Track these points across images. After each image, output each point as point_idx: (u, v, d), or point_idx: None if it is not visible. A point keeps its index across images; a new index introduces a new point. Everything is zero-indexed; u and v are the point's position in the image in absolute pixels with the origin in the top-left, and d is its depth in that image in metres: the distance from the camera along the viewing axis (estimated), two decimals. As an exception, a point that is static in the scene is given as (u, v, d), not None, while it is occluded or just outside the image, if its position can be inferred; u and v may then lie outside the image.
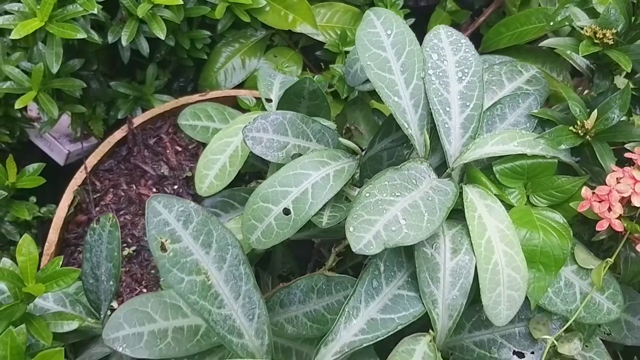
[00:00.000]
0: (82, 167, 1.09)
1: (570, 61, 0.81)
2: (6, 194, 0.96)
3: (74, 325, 0.67)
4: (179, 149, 1.14)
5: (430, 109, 0.75)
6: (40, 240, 1.09)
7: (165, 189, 1.08)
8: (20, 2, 0.96)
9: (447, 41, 0.78)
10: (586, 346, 0.76)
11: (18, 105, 1.05)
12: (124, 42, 1.06)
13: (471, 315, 0.76)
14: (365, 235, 0.62)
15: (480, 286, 0.67)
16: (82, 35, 0.91)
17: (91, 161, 1.10)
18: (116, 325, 0.68)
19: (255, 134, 0.81)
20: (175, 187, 1.08)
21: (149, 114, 1.17)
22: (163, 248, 0.57)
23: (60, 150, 1.32)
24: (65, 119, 1.33)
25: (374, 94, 1.02)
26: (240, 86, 1.29)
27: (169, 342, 0.69)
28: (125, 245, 1.03)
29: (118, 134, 1.13)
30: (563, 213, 0.72)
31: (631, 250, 0.73)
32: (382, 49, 0.76)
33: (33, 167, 1.04)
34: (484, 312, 0.75)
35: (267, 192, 0.75)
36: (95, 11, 0.92)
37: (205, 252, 0.60)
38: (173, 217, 0.58)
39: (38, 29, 0.90)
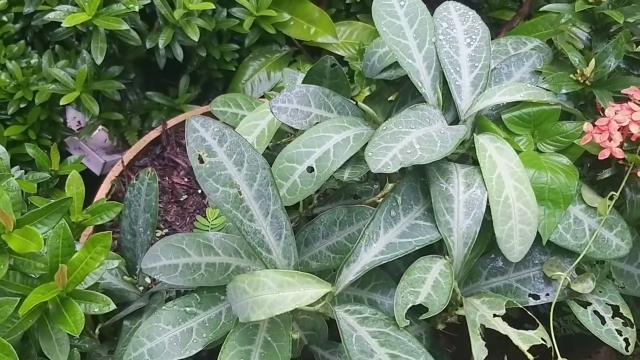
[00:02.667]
0: (120, 161, 1.17)
1: (570, 34, 0.88)
2: (49, 176, 1.03)
3: (115, 263, 0.72)
4: (209, 146, 1.21)
5: (442, 70, 0.82)
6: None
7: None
8: (69, 4, 1.07)
9: (455, 14, 0.85)
10: (600, 292, 0.79)
11: (63, 101, 1.14)
12: (160, 45, 1.16)
13: (487, 264, 0.80)
14: (383, 158, 0.67)
15: (493, 218, 0.72)
16: (125, 26, 1.01)
17: (128, 156, 1.18)
18: (154, 257, 0.73)
19: (281, 105, 0.88)
20: (205, 177, 1.15)
21: (181, 117, 1.25)
22: (201, 160, 0.64)
23: (97, 161, 1.41)
24: (102, 135, 1.43)
25: (390, 84, 1.10)
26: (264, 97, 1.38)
27: (202, 273, 0.74)
28: (157, 229, 1.09)
29: (153, 134, 1.22)
30: (569, 157, 0.76)
31: (635, 193, 0.77)
32: (396, 18, 0.84)
33: (74, 157, 1.12)
34: (498, 259, 0.80)
35: (291, 153, 0.82)
36: (136, 8, 1.02)
37: (238, 169, 0.66)
38: (209, 135, 0.65)
39: (85, 21, 1.00)
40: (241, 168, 0.66)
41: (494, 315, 0.67)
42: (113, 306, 0.62)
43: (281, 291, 0.64)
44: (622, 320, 0.76)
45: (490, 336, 0.70)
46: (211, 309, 0.73)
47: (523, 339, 0.64)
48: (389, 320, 0.64)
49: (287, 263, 0.68)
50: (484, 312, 0.67)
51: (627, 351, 0.74)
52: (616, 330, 0.75)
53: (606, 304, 0.78)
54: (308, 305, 0.71)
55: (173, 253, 0.74)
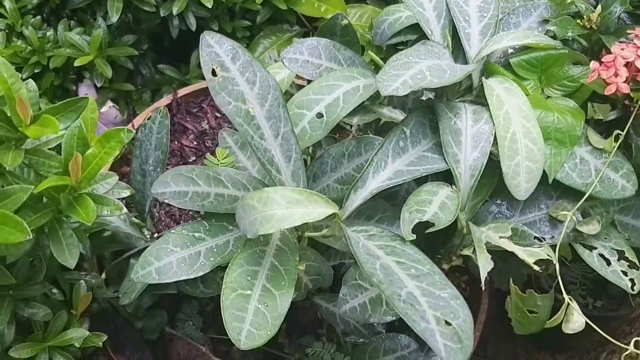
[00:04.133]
0: (130, 124, 1.18)
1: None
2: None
3: (127, 192, 0.72)
4: (219, 115, 1.23)
5: (451, 19, 0.83)
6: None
7: (206, 142, 1.16)
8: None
9: (465, -34, 0.88)
10: (605, 238, 0.79)
11: (77, 63, 1.16)
12: (174, 12, 1.18)
13: (493, 210, 0.81)
14: (394, 83, 0.69)
15: (500, 153, 0.73)
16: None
17: (138, 120, 1.19)
18: (164, 183, 0.74)
19: (292, 56, 0.89)
20: (215, 141, 1.16)
21: (192, 88, 1.27)
22: (214, 73, 0.65)
23: (107, 135, 1.42)
24: (112, 112, 1.45)
25: (400, 49, 1.12)
26: (275, 75, 1.40)
27: (211, 201, 0.74)
28: (165, 189, 1.10)
29: (164, 101, 1.23)
30: (576, 100, 0.78)
31: (641, 137, 0.78)
32: (409, -31, 0.86)
33: (86, 117, 1.13)
34: (504, 204, 0.81)
35: (301, 100, 0.83)
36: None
37: (250, 88, 0.67)
38: (223, 51, 0.66)
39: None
40: (253, 87, 0.68)
41: (500, 237, 0.67)
42: (124, 210, 0.62)
43: (290, 207, 0.64)
44: (628, 263, 0.77)
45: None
46: (219, 236, 0.73)
47: (529, 254, 0.64)
48: (395, 236, 0.64)
49: (296, 185, 0.69)
50: (489, 234, 0.68)
51: (633, 290, 0.74)
52: (622, 271, 0.76)
53: (611, 248, 0.78)
54: (316, 230, 0.72)
55: (183, 181, 0.75)
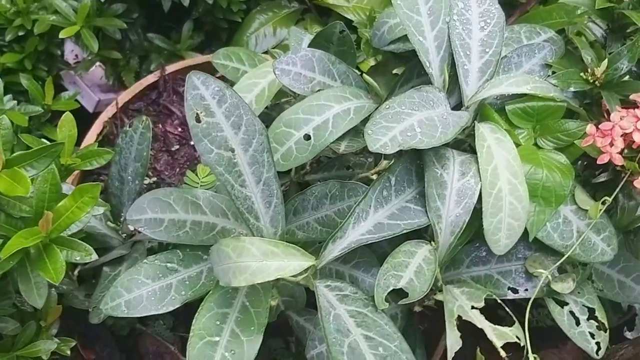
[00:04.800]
0: (114, 102, 1.15)
1: (586, 30, 0.86)
2: (42, 110, 1.01)
3: (100, 210, 0.71)
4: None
5: (451, 52, 0.80)
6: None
7: (190, 130, 1.13)
8: None
9: (473, -6, 0.83)
10: (578, 293, 0.80)
11: (63, 34, 1.11)
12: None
13: (471, 252, 0.80)
14: (382, 138, 0.67)
15: (483, 209, 0.72)
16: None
17: (122, 98, 1.16)
18: (140, 209, 0.73)
19: (285, 67, 0.86)
20: (200, 129, 1.13)
21: (181, 64, 1.23)
22: (198, 119, 0.62)
23: (91, 98, 1.38)
24: (98, 71, 1.40)
25: (397, 57, 1.08)
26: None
27: (187, 231, 0.73)
28: (146, 177, 1.08)
29: (151, 78, 1.20)
30: (567, 156, 0.76)
31: (628, 200, 0.77)
32: (413, -8, 0.81)
33: (69, 93, 1.10)
34: (482, 249, 0.80)
35: (290, 118, 0.80)
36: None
37: (234, 132, 0.65)
38: (209, 93, 0.64)
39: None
40: (238, 131, 0.65)
41: (472, 307, 0.67)
42: (95, 256, 0.61)
43: (265, 260, 0.63)
44: (597, 324, 0.77)
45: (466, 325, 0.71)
46: (192, 267, 0.73)
47: (498, 335, 0.65)
48: (368, 301, 0.64)
49: (274, 232, 0.68)
50: (462, 303, 0.68)
51: (597, 355, 0.75)
52: (589, 333, 0.76)
53: (583, 305, 0.78)
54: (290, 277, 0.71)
55: (160, 207, 0.73)
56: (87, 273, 0.90)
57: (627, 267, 0.86)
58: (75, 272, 0.89)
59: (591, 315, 0.78)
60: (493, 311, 0.74)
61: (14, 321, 0.72)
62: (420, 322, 1.01)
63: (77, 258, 0.60)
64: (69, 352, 0.80)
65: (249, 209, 0.66)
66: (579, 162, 0.79)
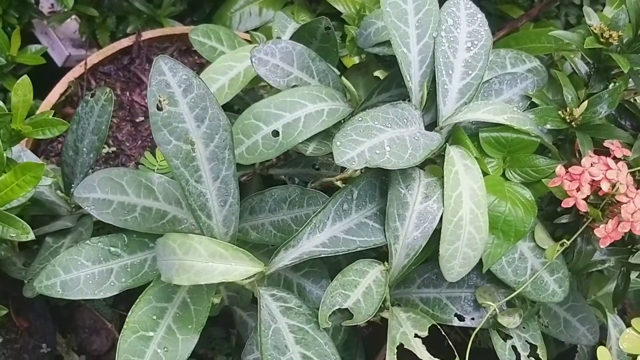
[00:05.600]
0: (82, 62, 1.10)
1: (572, 64, 0.85)
2: (5, 62, 0.96)
3: (47, 181, 0.67)
4: (180, 71, 1.15)
5: (434, 68, 0.78)
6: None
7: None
8: None
9: (464, 12, 0.81)
10: (523, 327, 0.79)
11: (37, -15, 1.06)
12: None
13: (423, 272, 0.79)
14: (350, 152, 0.64)
15: (442, 236, 0.70)
16: None
17: (92, 59, 1.11)
18: (89, 187, 0.69)
19: (263, 56, 0.83)
20: (168, 103, 1.09)
21: (158, 32, 1.18)
22: (159, 107, 0.59)
23: (62, 51, 1.32)
24: (73, 25, 1.34)
25: (380, 60, 1.06)
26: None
27: (136, 216, 0.70)
28: (106, 144, 1.04)
29: (125, 42, 1.15)
30: (533, 192, 0.75)
31: (586, 244, 0.76)
32: (404, 1, 0.79)
33: (36, 47, 1.05)
34: (435, 271, 0.79)
35: (260, 112, 0.78)
36: None
37: (197, 125, 0.62)
38: (176, 81, 0.60)
39: None
40: (201, 125, 0.62)
41: (415, 335, 0.66)
42: (32, 236, 0.58)
43: (211, 261, 0.61)
44: (536, 363, 0.77)
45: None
46: (137, 254, 0.70)
47: (436, 368, 0.64)
48: (312, 316, 0.62)
49: (225, 232, 0.66)
50: (406, 330, 0.67)
51: (532, 393, 0.75)
52: (527, 369, 0.76)
53: (526, 341, 0.78)
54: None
55: (110, 188, 0.70)
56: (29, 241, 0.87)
57: (575, 307, 0.86)
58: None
59: (532, 352, 0.78)
60: (436, 331, 0.73)
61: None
62: (366, 326, 1.01)
63: (13, 235, 0.57)
64: (-2, 319, 0.77)
65: (202, 206, 0.63)
66: (544, 196, 0.78)
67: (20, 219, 0.58)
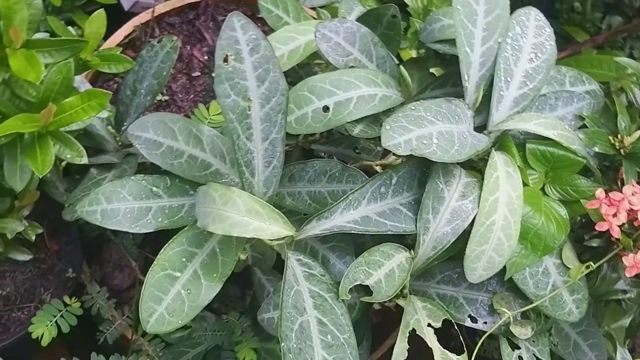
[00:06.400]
0: (150, 9, 1.13)
1: (630, 94, 0.85)
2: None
3: (105, 114, 0.70)
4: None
5: (493, 73, 0.78)
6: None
7: (216, 61, 1.11)
8: None
9: (533, 23, 0.81)
10: (533, 341, 0.80)
11: None
12: None
13: (445, 269, 0.80)
14: (398, 137, 0.66)
15: (471, 236, 0.71)
16: None
17: (160, 9, 1.14)
18: (143, 126, 0.72)
19: (327, 33, 0.85)
20: (226, 63, 1.12)
21: (228, -7, 1.20)
22: (225, 60, 0.61)
23: (131, -4, 1.36)
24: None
25: (439, 57, 1.06)
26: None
27: (182, 162, 0.73)
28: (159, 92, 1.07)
29: (194, -5, 1.17)
30: (569, 210, 0.75)
31: (611, 271, 0.77)
32: (476, 2, 0.79)
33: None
34: (457, 270, 0.80)
35: (315, 85, 0.79)
36: None
37: (257, 85, 0.64)
38: (245, 39, 0.62)
39: None
40: (261, 85, 0.64)
41: (428, 325, 0.67)
42: (85, 159, 0.61)
43: (247, 216, 0.63)
44: (540, 377, 0.78)
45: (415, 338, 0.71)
46: (176, 198, 0.73)
47: (444, 359, 0.65)
48: (333, 287, 0.64)
49: (265, 192, 0.68)
50: (420, 317, 0.68)
51: (529, 405, 0.76)
52: (529, 384, 0.77)
53: (534, 354, 0.79)
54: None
55: (162, 131, 0.72)
56: (74, 168, 0.90)
57: (587, 332, 0.86)
58: (63, 164, 0.89)
59: (538, 366, 0.79)
60: (447, 327, 0.75)
61: (-11, 190, 0.72)
62: (375, 314, 1.02)
63: (68, 156, 0.60)
64: (33, 237, 0.80)
65: (248, 163, 0.65)
66: (578, 218, 0.79)
67: (77, 142, 0.60)
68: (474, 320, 0.78)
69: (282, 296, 0.60)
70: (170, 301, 0.64)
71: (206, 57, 1.13)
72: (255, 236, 0.63)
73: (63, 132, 0.59)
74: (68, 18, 1.09)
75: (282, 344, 0.57)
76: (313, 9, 1.31)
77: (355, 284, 0.64)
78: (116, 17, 1.21)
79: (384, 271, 0.66)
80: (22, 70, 0.51)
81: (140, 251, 0.98)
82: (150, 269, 0.63)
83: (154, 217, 0.70)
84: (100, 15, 0.70)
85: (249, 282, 0.98)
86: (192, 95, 1.08)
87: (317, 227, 0.68)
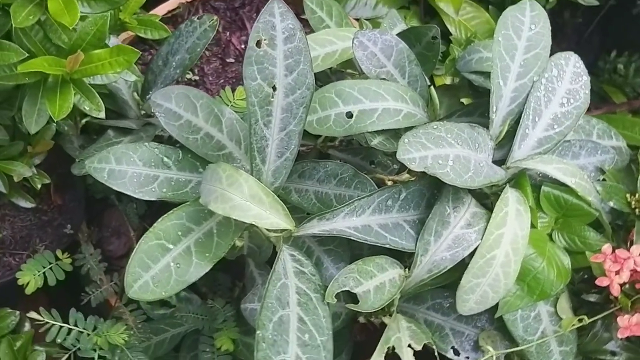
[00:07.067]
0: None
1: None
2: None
3: (132, 77, 0.71)
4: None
5: (522, 110, 0.78)
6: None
7: (252, 51, 1.12)
8: None
9: (571, 68, 0.81)
10: (513, 384, 0.79)
11: None
12: None
13: (437, 297, 0.79)
14: (414, 152, 0.65)
15: (469, 267, 0.70)
16: None
17: (213, -14, 1.15)
18: (167, 96, 0.72)
19: (365, 41, 0.85)
20: (261, 55, 1.12)
21: (277, -12, 1.21)
22: (258, 44, 0.61)
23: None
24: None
25: (472, 88, 1.06)
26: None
27: (197, 139, 0.73)
28: (190, 71, 1.08)
29: (243, -18, 1.18)
30: (572, 261, 0.74)
31: (604, 330, 0.75)
32: (518, 37, 0.79)
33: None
34: (449, 300, 0.79)
35: (343, 90, 0.79)
36: None
37: (285, 74, 0.64)
38: (281, 27, 0.63)
39: None
40: (288, 75, 0.64)
41: (409, 345, 0.66)
42: (102, 114, 0.61)
43: (249, 201, 0.63)
44: (512, 423, 0.76)
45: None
46: (185, 172, 0.73)
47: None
48: (320, 288, 0.64)
49: (272, 182, 0.68)
50: (402, 336, 0.67)
51: None
52: None
53: (509, 399, 0.78)
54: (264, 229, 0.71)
55: (185, 104, 0.73)
56: (93, 127, 0.91)
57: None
58: (83, 121, 0.90)
59: (511, 410, 0.77)
60: (427, 354, 0.74)
61: (4, 132, 0.73)
62: (359, 331, 1.01)
63: (87, 107, 0.60)
64: (39, 186, 0.81)
65: (261, 149, 0.65)
66: (580, 272, 0.78)
67: (98, 95, 0.61)
68: (456, 352, 0.77)
69: (267, 285, 0.60)
70: (158, 271, 0.63)
71: (243, 46, 1.13)
72: (254, 222, 0.63)
73: (86, 82, 0.60)
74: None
75: (258, 331, 0.57)
76: (357, 19, 1.32)
77: (344, 289, 0.63)
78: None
79: (374, 283, 0.65)
80: (59, 12, 0.52)
81: (141, 222, 0.98)
82: (145, 235, 0.63)
83: (159, 187, 0.70)
84: (146, -20, 0.70)
85: (241, 274, 0.98)
86: (222, 80, 1.08)
87: (317, 227, 0.67)
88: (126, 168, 0.69)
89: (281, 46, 0.63)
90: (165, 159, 0.71)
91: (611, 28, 1.57)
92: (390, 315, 0.75)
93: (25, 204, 0.85)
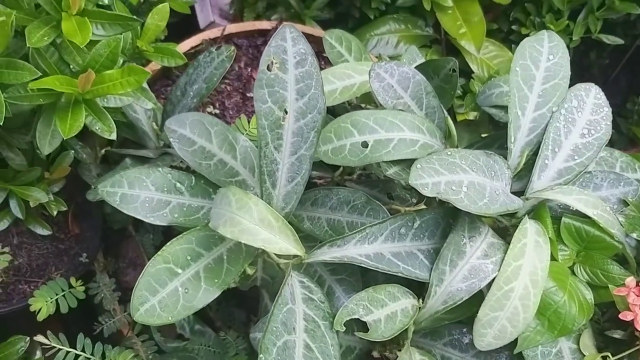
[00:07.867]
0: (222, 27, 1.16)
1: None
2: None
3: (149, 105, 0.71)
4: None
5: (541, 140, 0.76)
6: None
7: (273, 86, 1.13)
8: None
9: (592, 100, 0.79)
10: None
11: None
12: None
13: (455, 332, 0.76)
14: (427, 178, 0.64)
15: (486, 299, 0.68)
16: None
17: (230, 29, 1.17)
18: (181, 122, 0.73)
19: (382, 72, 0.84)
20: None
21: (297, 27, 1.22)
22: (269, 68, 0.62)
23: (208, 16, 1.41)
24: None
25: (493, 123, 1.04)
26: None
27: (210, 165, 0.73)
28: (211, 105, 1.09)
29: (265, 24, 1.20)
30: (595, 295, 0.71)
31: (630, 369, 0.71)
32: (536, 67, 0.78)
33: (187, -1, 1.11)
34: (468, 336, 0.76)
35: (359, 120, 0.78)
36: None
37: (296, 98, 0.64)
38: (293, 51, 0.63)
39: None
40: (299, 99, 0.64)
41: (420, 380, 0.64)
42: (114, 136, 0.61)
43: (259, 225, 0.62)
44: None
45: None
46: (197, 198, 0.72)
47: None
48: (329, 316, 0.62)
49: (282, 207, 0.67)
50: (415, 370, 0.64)
51: None
52: None
53: None
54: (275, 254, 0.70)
55: (199, 131, 0.73)
56: (112, 158, 0.92)
57: None
58: (102, 151, 0.91)
59: None
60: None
61: (22, 157, 0.74)
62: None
63: (97, 128, 0.60)
64: (55, 212, 0.81)
65: (271, 173, 0.65)
66: (605, 310, 0.74)
67: (110, 117, 0.61)
68: (470, 392, 0.74)
69: (272, 309, 0.58)
70: (165, 295, 0.63)
71: (264, 81, 1.14)
72: (262, 247, 0.61)
73: (99, 104, 0.60)
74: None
75: (261, 355, 0.55)
76: (377, 56, 1.33)
77: (353, 317, 0.61)
78: (190, 33, 1.25)
79: (386, 312, 0.63)
80: (71, 32, 0.53)
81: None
82: (153, 258, 0.63)
83: (170, 212, 0.70)
84: (163, 8, 0.72)
85: (256, 308, 0.96)
86: (242, 114, 1.09)
87: (327, 254, 0.66)
88: (139, 192, 0.70)
89: (292, 70, 0.63)
90: (178, 185, 0.71)
91: (639, 69, 1.55)
92: (403, 347, 0.72)
93: (42, 231, 0.85)
